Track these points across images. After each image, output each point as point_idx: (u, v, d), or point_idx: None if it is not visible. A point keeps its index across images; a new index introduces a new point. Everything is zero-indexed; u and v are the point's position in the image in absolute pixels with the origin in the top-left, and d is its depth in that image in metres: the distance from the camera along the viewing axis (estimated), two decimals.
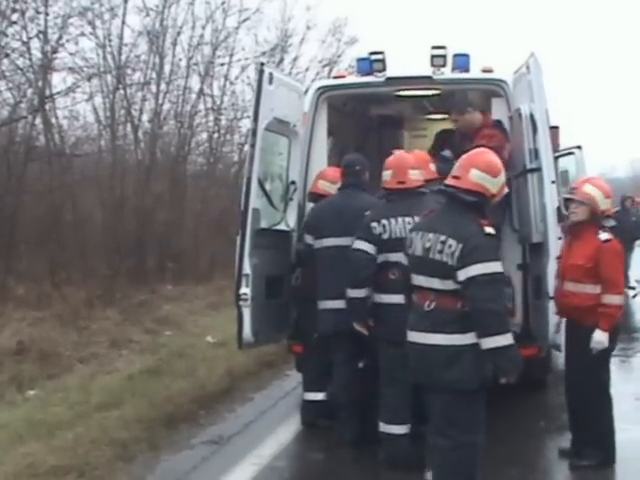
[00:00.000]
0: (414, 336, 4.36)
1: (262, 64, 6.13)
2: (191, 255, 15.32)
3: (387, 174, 5.67)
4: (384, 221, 5.53)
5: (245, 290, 6.05)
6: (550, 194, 5.59)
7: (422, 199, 5.57)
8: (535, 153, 5.85)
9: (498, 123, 6.64)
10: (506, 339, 4.11)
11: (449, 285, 4.22)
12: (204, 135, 16.83)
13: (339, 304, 5.86)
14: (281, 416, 6.92)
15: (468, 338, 4.19)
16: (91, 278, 12.01)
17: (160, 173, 14.90)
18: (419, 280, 4.39)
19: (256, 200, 6.14)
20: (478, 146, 6.01)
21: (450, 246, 4.19)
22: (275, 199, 6.64)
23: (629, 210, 15.83)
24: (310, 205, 6.73)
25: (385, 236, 5.51)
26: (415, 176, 5.64)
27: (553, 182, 5.62)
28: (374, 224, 5.53)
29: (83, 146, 14.34)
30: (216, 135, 16.81)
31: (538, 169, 5.79)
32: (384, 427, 5.56)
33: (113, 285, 11.97)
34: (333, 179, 6.50)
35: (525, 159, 5.98)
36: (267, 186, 6.49)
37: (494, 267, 4.16)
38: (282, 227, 6.63)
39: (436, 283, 4.28)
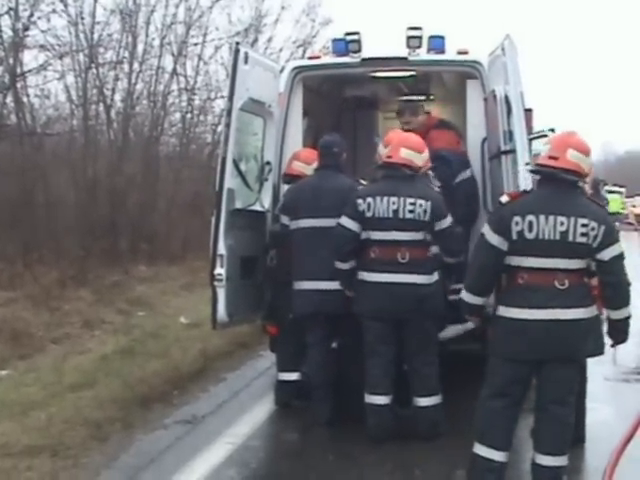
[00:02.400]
0: (544, 313, 4.46)
1: (237, 43, 6.11)
2: (164, 236, 15.25)
3: (383, 149, 5.85)
4: (369, 199, 5.61)
5: (220, 270, 6.04)
6: (524, 176, 5.63)
7: (410, 180, 5.69)
8: (510, 135, 5.87)
9: (442, 123, 6.76)
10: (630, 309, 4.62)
11: (582, 264, 4.49)
12: (177, 115, 16.73)
13: (314, 285, 5.92)
14: (255, 396, 6.95)
15: (595, 310, 4.56)
16: (63, 259, 11.93)
17: (133, 154, 14.79)
18: (545, 262, 4.47)
19: (231, 180, 6.12)
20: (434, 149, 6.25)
21: (593, 229, 4.42)
22: (250, 179, 6.62)
23: (600, 194, 15.97)
24: (285, 186, 6.74)
25: (369, 214, 5.61)
26: (407, 155, 5.71)
27: (527, 164, 5.65)
28: (359, 201, 5.63)
29: (55, 125, 14.17)
30: (189, 116, 16.71)
31: (512, 151, 5.81)
32: (368, 397, 5.69)
33: (86, 266, 11.90)
34: (307, 160, 6.51)
35: (499, 141, 6.01)
36: (242, 166, 6.46)
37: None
38: (257, 208, 6.61)
39: (573, 263, 4.47)
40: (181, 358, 7.86)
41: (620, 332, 4.67)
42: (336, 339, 6.16)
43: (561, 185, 4.54)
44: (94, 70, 13.91)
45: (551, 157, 4.54)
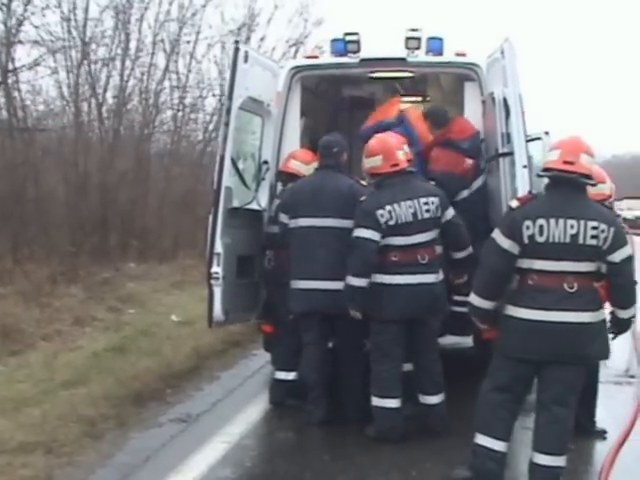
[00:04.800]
0: (552, 315, 4.51)
1: (237, 42, 6.11)
2: (155, 233, 15.19)
3: (376, 160, 5.71)
4: (388, 207, 5.57)
5: (216, 269, 6.04)
6: (522, 178, 5.65)
7: (414, 179, 5.74)
8: (507, 137, 5.90)
9: (447, 142, 6.65)
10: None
11: (592, 267, 4.54)
12: (169, 113, 16.67)
13: (311, 284, 5.92)
14: (249, 395, 6.93)
15: (603, 314, 4.64)
16: (54, 255, 11.85)
17: (124, 151, 14.73)
18: (555, 265, 4.53)
19: (229, 179, 6.12)
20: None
21: (603, 231, 4.49)
22: (247, 178, 6.62)
23: None
24: (280, 185, 6.74)
25: (392, 222, 5.57)
26: (403, 156, 5.73)
27: (525, 166, 5.68)
28: (380, 212, 5.56)
29: (46, 121, 14.11)
30: (180, 113, 16.67)
31: (510, 153, 5.84)
32: (378, 401, 5.67)
33: (76, 262, 11.83)
34: (305, 159, 6.53)
35: (497, 143, 6.03)
36: (240, 165, 6.45)
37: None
38: (254, 206, 6.61)
39: (583, 266, 4.53)
40: (173, 356, 7.83)
41: (623, 328, 4.84)
42: (332, 339, 6.16)
43: (572, 189, 4.61)
44: (86, 67, 13.84)
45: (566, 162, 4.60)
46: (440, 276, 5.73)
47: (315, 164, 6.39)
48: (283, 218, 6.19)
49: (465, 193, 6.54)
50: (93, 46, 14.04)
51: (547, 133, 8.97)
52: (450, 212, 5.77)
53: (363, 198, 5.70)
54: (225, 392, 7.05)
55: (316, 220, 5.96)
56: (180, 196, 15.72)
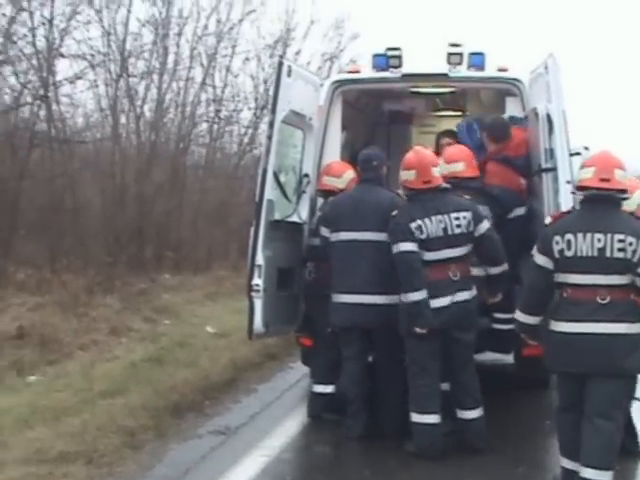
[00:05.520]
0: (585, 326, 4.55)
1: (281, 57, 6.16)
2: (189, 245, 15.26)
3: (410, 174, 5.70)
4: (419, 221, 5.57)
5: (257, 281, 6.05)
6: (565, 194, 5.61)
7: (447, 195, 5.69)
8: (551, 153, 5.87)
9: (504, 159, 6.55)
10: None
11: (624, 280, 4.54)
12: (204, 126, 16.78)
13: (353, 298, 5.90)
14: (286, 408, 6.93)
15: None
16: (91, 265, 11.96)
17: (161, 163, 14.85)
18: (586, 279, 4.57)
19: (271, 191, 6.15)
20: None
21: (631, 244, 4.52)
22: (289, 191, 6.65)
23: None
24: (320, 199, 6.76)
25: (423, 236, 5.56)
26: (438, 173, 5.72)
27: (568, 182, 5.64)
28: (413, 224, 5.55)
29: (85, 134, 14.26)
30: (216, 126, 16.77)
31: (553, 169, 5.81)
32: (417, 417, 5.64)
33: (113, 273, 11.92)
34: (336, 173, 6.54)
35: (540, 159, 6.00)
36: (281, 178, 6.48)
37: None
38: (295, 219, 6.62)
39: (614, 279, 4.54)
40: (210, 368, 7.84)
41: None
42: (371, 353, 6.14)
43: (607, 204, 4.64)
44: (125, 80, 13.99)
45: (603, 179, 4.62)
46: (474, 292, 5.68)
47: (348, 174, 6.44)
48: (324, 231, 6.18)
49: (521, 210, 6.48)
50: (132, 60, 14.18)
51: (587, 148, 8.91)
52: (484, 225, 5.71)
53: (394, 213, 5.70)
54: (263, 405, 7.04)
55: (357, 234, 5.96)
56: (214, 208, 15.80)
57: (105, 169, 13.55)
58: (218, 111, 16.50)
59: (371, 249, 5.88)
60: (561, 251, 4.60)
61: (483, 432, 5.72)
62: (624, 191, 4.69)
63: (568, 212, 4.88)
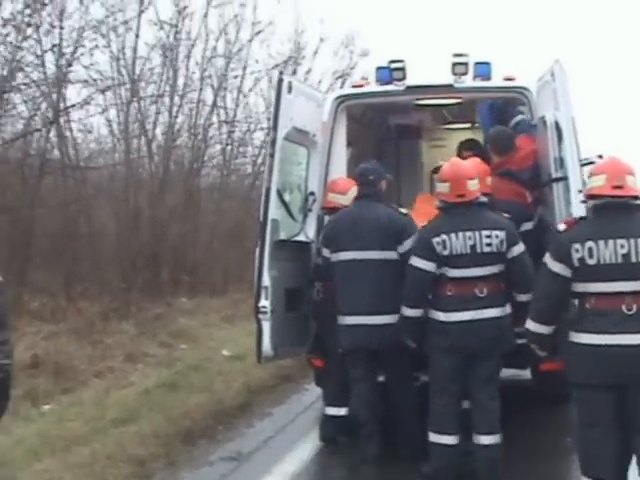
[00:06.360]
0: (615, 338, 4.39)
1: (281, 73, 6.07)
2: (205, 268, 15.25)
3: (444, 186, 5.46)
4: (444, 236, 5.32)
5: (264, 303, 5.94)
6: (577, 203, 5.47)
7: (482, 210, 5.44)
8: (561, 162, 5.74)
9: (507, 172, 6.35)
10: None
11: None
12: (217, 147, 16.79)
13: (355, 320, 5.77)
14: (301, 431, 6.80)
15: None
16: (106, 291, 11.96)
17: (174, 186, 14.85)
18: (611, 286, 4.43)
19: (275, 211, 6.05)
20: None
21: None
22: (294, 210, 6.55)
23: None
24: (327, 219, 6.64)
25: (445, 252, 5.32)
26: (474, 187, 5.44)
27: (580, 191, 5.50)
28: (436, 239, 5.33)
29: (97, 159, 14.29)
30: (229, 148, 16.77)
31: (564, 178, 5.67)
32: (435, 437, 5.43)
33: (128, 298, 11.90)
34: (342, 189, 6.39)
35: (550, 168, 5.86)
36: (286, 197, 6.38)
37: None
38: (301, 238, 6.52)
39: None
40: (224, 392, 7.77)
41: None
42: (382, 373, 5.99)
43: (621, 211, 4.51)
44: (135, 104, 14.02)
45: (615, 187, 4.49)
46: (507, 310, 5.43)
47: (354, 191, 6.23)
48: (325, 252, 6.05)
49: (529, 225, 6.23)
50: (142, 84, 14.21)
51: (601, 156, 8.74)
52: (518, 249, 5.41)
53: (424, 224, 5.52)
54: (277, 429, 6.93)
55: (356, 253, 5.81)
56: (229, 230, 15.77)
57: (118, 194, 13.56)
58: (231, 132, 16.51)
59: (372, 268, 5.74)
60: (581, 259, 4.44)
61: (496, 462, 5.38)
62: (637, 197, 4.55)
63: (582, 218, 4.69)
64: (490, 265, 5.36)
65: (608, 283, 4.42)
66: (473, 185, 5.44)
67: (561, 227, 4.67)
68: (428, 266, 5.35)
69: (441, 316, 5.38)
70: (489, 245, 5.33)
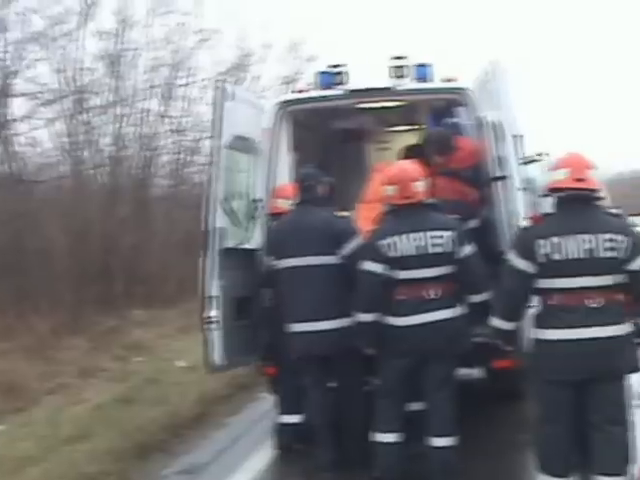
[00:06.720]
0: (581, 332, 4.45)
1: (219, 80, 6.04)
2: (159, 278, 15.08)
3: (391, 189, 5.44)
4: (391, 239, 5.30)
5: (213, 313, 5.88)
6: (520, 201, 5.51)
7: (430, 211, 5.42)
8: (500, 161, 5.77)
9: (449, 171, 6.36)
10: None
11: (612, 280, 4.48)
12: (166, 157, 16.65)
13: (302, 327, 5.75)
14: (256, 441, 6.74)
15: (629, 327, 4.56)
16: (58, 306, 11.76)
17: (124, 197, 14.69)
18: (576, 282, 4.48)
19: (222, 219, 6.00)
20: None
21: (622, 242, 4.47)
22: (240, 217, 6.49)
23: None
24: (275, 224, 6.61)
25: (394, 254, 5.29)
26: (420, 188, 5.43)
27: (521, 189, 5.55)
28: (381, 242, 5.31)
29: (44, 172, 14.07)
30: (179, 157, 16.64)
31: (504, 177, 5.70)
32: (378, 436, 5.43)
33: (80, 312, 11.74)
34: (287, 195, 6.38)
35: (489, 167, 5.90)
36: (233, 204, 6.33)
37: None
38: (249, 246, 6.48)
39: (603, 280, 4.47)
40: (180, 404, 7.69)
41: None
42: (334, 378, 5.96)
43: (584, 205, 4.59)
44: (81, 116, 13.84)
45: (578, 179, 4.57)
46: (460, 310, 5.41)
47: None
48: (267, 260, 6.03)
49: (474, 223, 6.24)
50: (87, 95, 14.03)
51: (541, 154, 8.85)
52: (467, 249, 5.38)
53: (371, 228, 5.50)
54: (231, 439, 6.89)
55: (298, 260, 5.78)
56: (182, 240, 15.62)
57: (67, 207, 13.37)
58: (180, 141, 16.40)
59: (315, 274, 5.71)
60: (547, 255, 4.50)
61: (449, 465, 5.31)
62: (598, 191, 4.64)
63: (547, 214, 4.74)
64: (440, 266, 5.34)
65: (573, 278, 4.48)
66: (419, 186, 5.44)
67: (525, 223, 4.76)
68: (378, 268, 5.32)
69: (394, 321, 5.35)
70: (438, 246, 5.31)
